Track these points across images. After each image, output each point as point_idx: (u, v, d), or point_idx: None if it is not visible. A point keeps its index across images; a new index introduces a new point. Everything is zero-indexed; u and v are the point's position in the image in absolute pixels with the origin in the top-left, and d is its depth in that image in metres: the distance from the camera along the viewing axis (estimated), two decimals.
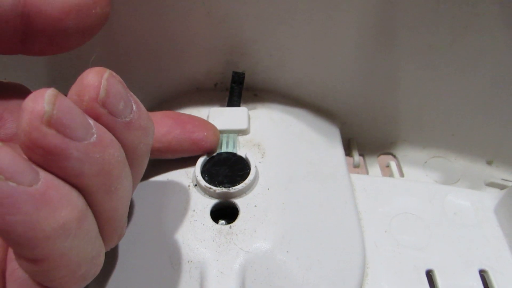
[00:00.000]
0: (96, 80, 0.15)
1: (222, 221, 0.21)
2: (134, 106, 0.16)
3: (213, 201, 0.21)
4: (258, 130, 0.25)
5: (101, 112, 0.15)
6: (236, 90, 0.26)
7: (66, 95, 0.21)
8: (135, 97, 0.17)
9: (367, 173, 0.31)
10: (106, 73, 0.15)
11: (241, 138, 0.25)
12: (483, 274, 0.23)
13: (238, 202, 0.21)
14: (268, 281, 0.19)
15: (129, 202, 0.17)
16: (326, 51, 0.27)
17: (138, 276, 0.20)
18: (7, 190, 0.12)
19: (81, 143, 0.14)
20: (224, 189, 0.21)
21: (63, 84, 0.28)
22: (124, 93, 0.16)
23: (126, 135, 0.16)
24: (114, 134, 0.16)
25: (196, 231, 0.20)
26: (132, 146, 0.16)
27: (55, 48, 0.19)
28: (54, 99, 0.13)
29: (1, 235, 0.13)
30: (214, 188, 0.21)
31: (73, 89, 0.15)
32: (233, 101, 0.26)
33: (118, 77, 0.16)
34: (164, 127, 0.22)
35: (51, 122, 0.13)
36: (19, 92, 0.20)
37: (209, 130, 0.23)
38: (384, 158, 0.32)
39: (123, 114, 0.16)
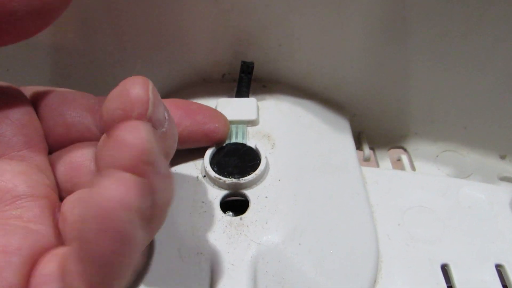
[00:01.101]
0: (143, 94, 0.15)
1: (229, 213, 0.20)
2: (166, 115, 0.16)
3: (222, 192, 0.21)
4: (267, 121, 0.25)
5: None
6: (245, 80, 0.26)
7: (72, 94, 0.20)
8: (165, 104, 0.16)
9: (378, 166, 0.30)
10: (150, 85, 0.15)
11: (250, 129, 0.24)
12: (499, 269, 0.22)
13: (249, 193, 0.21)
14: (280, 274, 0.18)
15: None
16: (336, 41, 0.26)
17: (146, 269, 0.19)
18: None
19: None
20: (234, 180, 0.21)
21: (66, 81, 0.28)
22: (163, 104, 0.16)
23: (161, 145, 0.16)
24: None
25: (206, 222, 0.20)
26: (164, 155, 0.16)
27: (10, 37, 0.16)
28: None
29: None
30: (224, 178, 0.21)
31: (115, 101, 0.15)
32: (242, 91, 0.26)
33: (154, 86, 0.15)
34: (175, 115, 0.21)
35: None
36: (7, 96, 0.18)
37: (220, 121, 0.22)
38: (394, 151, 0.31)
39: (161, 125, 0.16)
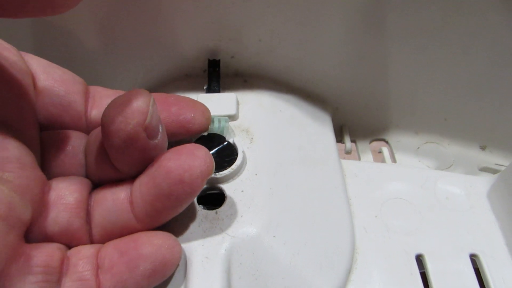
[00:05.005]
0: (144, 105, 0.16)
1: (200, 206, 0.21)
2: (160, 128, 0.17)
3: None
4: (247, 116, 0.25)
5: (141, 136, 0.16)
6: (214, 75, 0.26)
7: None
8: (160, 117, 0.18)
9: (359, 159, 0.30)
10: (152, 99, 0.17)
11: (230, 125, 0.24)
12: (474, 259, 0.22)
13: (225, 187, 0.21)
14: (255, 266, 0.19)
15: None
16: (315, 35, 0.26)
17: None
18: None
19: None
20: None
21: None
22: (159, 118, 0.17)
23: (152, 154, 0.17)
24: (143, 154, 0.17)
25: (182, 216, 0.20)
26: (151, 160, 0.18)
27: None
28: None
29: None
30: None
31: (117, 108, 0.16)
32: (213, 86, 0.26)
33: (155, 101, 0.17)
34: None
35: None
36: (8, 63, 0.17)
37: (197, 110, 0.21)
38: (376, 144, 0.31)
39: (155, 137, 0.17)
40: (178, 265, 0.18)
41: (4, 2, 0.13)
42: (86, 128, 0.20)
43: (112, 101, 0.17)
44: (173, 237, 0.18)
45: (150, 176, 0.17)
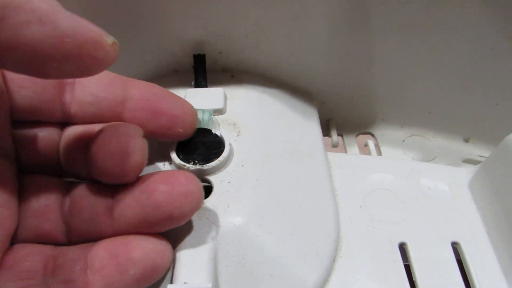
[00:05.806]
0: (141, 162, 0.17)
1: None
2: None
3: None
4: (234, 110, 0.26)
5: (133, 180, 0.18)
6: (200, 70, 0.27)
7: None
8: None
9: (346, 152, 0.31)
10: (146, 149, 0.18)
11: (216, 118, 0.25)
12: (455, 246, 0.23)
13: (212, 179, 0.22)
14: (241, 255, 0.19)
15: None
16: (301, 31, 0.27)
17: None
18: None
19: None
20: (198, 167, 0.21)
21: None
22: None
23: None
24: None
25: None
26: None
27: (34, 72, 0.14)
28: None
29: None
30: (188, 165, 0.21)
31: (114, 157, 0.17)
32: (200, 81, 0.26)
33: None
34: (139, 118, 0.20)
35: None
36: None
37: (186, 124, 0.21)
38: (362, 137, 0.32)
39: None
40: (168, 269, 0.18)
41: (37, 69, 0.14)
42: (62, 120, 0.19)
43: (106, 143, 0.17)
44: (164, 241, 0.18)
45: (138, 202, 0.17)
